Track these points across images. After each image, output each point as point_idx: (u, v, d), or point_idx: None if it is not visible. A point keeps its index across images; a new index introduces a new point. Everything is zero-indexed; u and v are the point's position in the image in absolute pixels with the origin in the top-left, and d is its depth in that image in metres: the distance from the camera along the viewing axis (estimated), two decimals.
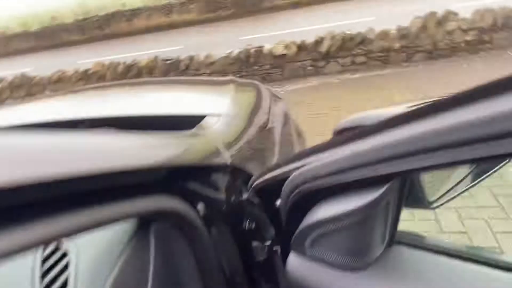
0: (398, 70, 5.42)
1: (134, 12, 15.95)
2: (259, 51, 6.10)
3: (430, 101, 0.37)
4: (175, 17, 15.22)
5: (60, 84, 7.12)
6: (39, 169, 0.35)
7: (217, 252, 0.66)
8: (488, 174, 0.65)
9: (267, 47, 6.11)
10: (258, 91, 1.38)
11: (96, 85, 1.65)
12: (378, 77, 5.33)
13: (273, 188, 0.61)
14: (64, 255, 0.67)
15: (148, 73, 6.62)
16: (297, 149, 1.30)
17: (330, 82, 5.53)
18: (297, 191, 0.50)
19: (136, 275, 0.61)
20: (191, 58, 6.46)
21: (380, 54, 5.64)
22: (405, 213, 0.50)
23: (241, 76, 6.27)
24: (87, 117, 1.01)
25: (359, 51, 5.70)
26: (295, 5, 14.27)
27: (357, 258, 0.46)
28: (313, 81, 5.68)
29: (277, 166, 0.60)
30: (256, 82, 1.59)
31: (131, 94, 1.35)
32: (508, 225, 1.95)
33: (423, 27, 5.45)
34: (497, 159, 0.30)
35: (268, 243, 0.69)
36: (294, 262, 0.54)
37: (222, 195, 0.68)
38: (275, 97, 1.52)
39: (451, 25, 5.39)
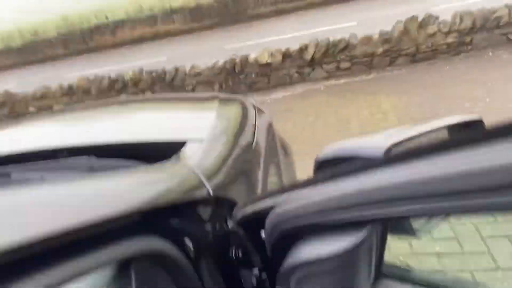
0: (382, 74, 5.49)
1: (118, 24, 15.86)
2: (244, 60, 6.11)
3: (413, 147, 0.35)
4: (159, 28, 15.19)
5: (44, 100, 7.02)
6: (18, 232, 0.35)
7: (204, 285, 0.64)
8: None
9: (252, 56, 6.12)
10: (242, 107, 1.36)
11: (76, 106, 1.62)
12: (363, 82, 5.38)
13: (257, 219, 0.59)
14: None
15: (133, 86, 6.57)
16: (282, 165, 1.29)
17: (316, 88, 5.57)
18: (279, 228, 0.49)
19: None
20: (176, 70, 6.44)
21: (364, 59, 5.70)
22: None
23: (227, 86, 6.27)
24: (66, 146, 0.98)
25: (343, 57, 5.75)
26: (279, 13, 14.38)
27: None
28: (299, 89, 5.71)
29: (260, 198, 0.58)
30: (240, 97, 1.59)
31: (112, 116, 1.33)
32: (497, 229, 1.96)
33: (405, 31, 5.53)
34: (478, 211, 0.29)
35: (256, 271, 0.68)
36: None
37: (206, 228, 0.66)
38: (260, 111, 1.52)
39: (432, 28, 5.48)
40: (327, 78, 5.82)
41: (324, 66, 5.86)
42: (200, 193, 0.65)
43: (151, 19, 15.43)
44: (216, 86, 6.28)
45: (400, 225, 0.53)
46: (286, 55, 5.96)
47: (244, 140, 1.01)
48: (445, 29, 5.45)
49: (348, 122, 3.97)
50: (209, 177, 0.70)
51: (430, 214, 0.32)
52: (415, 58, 5.59)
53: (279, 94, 5.72)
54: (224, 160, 0.81)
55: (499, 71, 4.58)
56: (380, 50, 5.62)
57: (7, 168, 0.86)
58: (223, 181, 0.74)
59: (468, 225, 2.05)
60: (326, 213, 0.41)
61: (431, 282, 0.46)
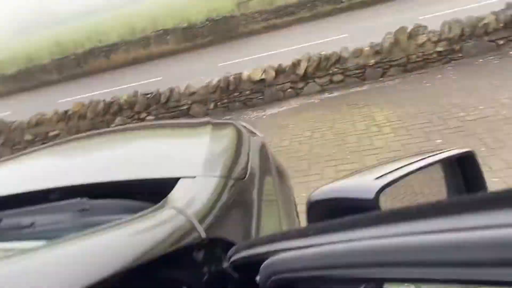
0: (375, 85, 5.53)
1: (112, 47, 16.02)
2: (238, 77, 6.16)
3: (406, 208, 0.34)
4: (153, 49, 15.34)
5: (40, 127, 7.02)
6: None
7: None
8: None
9: (245, 73, 6.17)
10: (235, 133, 1.36)
11: (67, 139, 1.61)
12: (356, 93, 5.41)
13: (251, 264, 0.58)
14: None
15: (128, 109, 6.59)
16: (278, 192, 1.28)
17: (311, 102, 5.59)
18: (272, 278, 0.48)
19: None
20: (171, 90, 6.47)
21: (357, 71, 5.75)
22: None
23: (222, 104, 6.29)
24: (57, 186, 0.97)
25: (336, 70, 5.80)
26: (270, 28, 14.58)
27: None
28: (294, 103, 5.73)
29: (254, 244, 0.57)
30: (233, 121, 1.58)
31: (103, 151, 1.32)
32: None
33: (395, 42, 5.60)
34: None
35: None
36: None
37: (200, 271, 0.65)
38: (253, 134, 1.51)
39: (421, 38, 5.56)
40: (321, 91, 5.86)
41: (317, 80, 5.91)
42: (192, 237, 0.63)
43: (144, 40, 15.60)
44: (211, 105, 6.31)
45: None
46: (279, 71, 6.01)
47: (237, 172, 1.00)
48: (435, 38, 5.52)
49: (345, 136, 3.97)
50: (202, 219, 0.68)
51: (430, 280, 0.30)
52: (406, 68, 5.65)
53: (274, 109, 5.75)
54: (217, 199, 0.80)
55: (490, 78, 4.62)
56: (371, 61, 5.68)
57: None
58: (216, 220, 0.72)
59: None
60: (320, 269, 0.40)
61: None
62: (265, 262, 0.50)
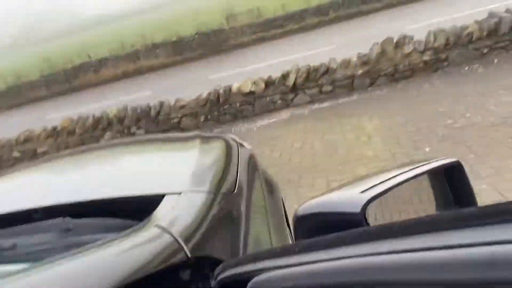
0: (364, 95, 5.58)
1: (101, 62, 15.98)
2: (228, 90, 6.17)
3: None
4: (142, 63, 15.34)
5: (28, 144, 6.92)
6: None
7: None
8: None
9: (235, 85, 6.19)
10: (224, 146, 1.35)
11: (51, 156, 1.59)
12: (346, 104, 5.45)
13: (238, 282, 0.57)
14: None
15: (118, 123, 6.54)
16: (267, 205, 1.26)
17: (301, 113, 5.62)
18: None
19: None
20: (161, 104, 6.45)
21: (345, 82, 5.81)
22: None
23: (213, 117, 6.29)
24: (40, 206, 0.95)
25: (325, 81, 5.85)
26: (260, 40, 14.71)
27: None
28: (284, 115, 5.75)
29: (240, 262, 0.56)
30: (222, 135, 1.57)
31: (87, 168, 1.30)
32: None
33: (382, 52, 5.68)
34: None
35: None
36: None
37: None
38: (242, 147, 1.50)
39: (407, 48, 5.65)
40: (310, 102, 5.89)
41: (307, 90, 5.95)
42: (178, 257, 0.62)
43: (134, 55, 15.60)
44: (202, 118, 6.30)
45: None
46: (268, 82, 6.04)
47: (226, 186, 0.98)
48: (420, 48, 5.62)
49: (335, 147, 3.98)
50: (187, 237, 0.67)
51: None
52: (394, 77, 5.72)
53: (264, 121, 5.76)
54: (204, 216, 0.78)
55: (476, 85, 4.70)
56: (359, 72, 5.75)
57: None
58: (202, 238, 0.71)
59: None
60: None
61: None
62: (251, 281, 0.49)
